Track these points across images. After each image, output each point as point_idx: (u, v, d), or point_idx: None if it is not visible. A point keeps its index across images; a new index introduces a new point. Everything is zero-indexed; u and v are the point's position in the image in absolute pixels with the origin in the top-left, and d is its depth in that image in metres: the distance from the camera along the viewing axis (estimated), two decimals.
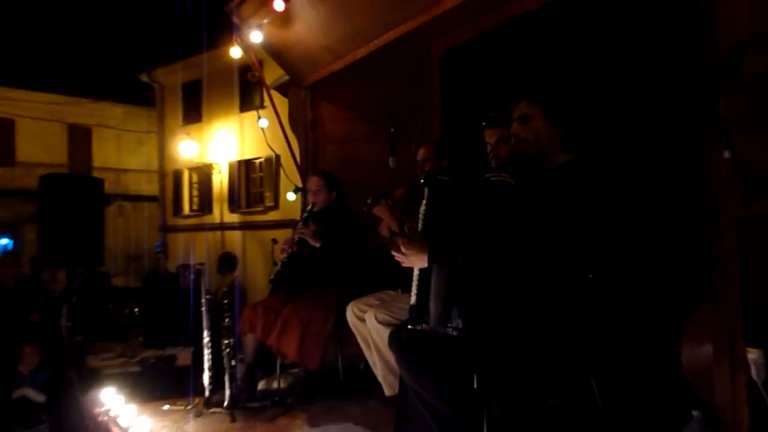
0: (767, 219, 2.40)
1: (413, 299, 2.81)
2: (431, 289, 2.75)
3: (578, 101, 2.80)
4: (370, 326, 3.85)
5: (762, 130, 2.42)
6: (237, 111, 19.79)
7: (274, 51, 5.26)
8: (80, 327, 7.01)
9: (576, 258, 2.72)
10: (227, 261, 9.39)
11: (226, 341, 4.32)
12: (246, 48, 5.10)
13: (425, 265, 2.73)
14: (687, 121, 2.60)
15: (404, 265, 2.83)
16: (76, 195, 5.68)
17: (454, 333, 2.67)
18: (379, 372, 3.94)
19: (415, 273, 2.82)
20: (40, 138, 24.55)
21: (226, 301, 4.44)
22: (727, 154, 2.37)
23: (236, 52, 5.18)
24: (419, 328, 2.77)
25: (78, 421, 4.81)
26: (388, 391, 3.92)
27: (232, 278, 9.43)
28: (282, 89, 5.99)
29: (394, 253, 2.83)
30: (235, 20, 5.05)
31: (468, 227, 2.71)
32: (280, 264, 4.73)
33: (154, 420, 4.14)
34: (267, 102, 5.77)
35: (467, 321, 2.65)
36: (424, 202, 2.83)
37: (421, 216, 2.83)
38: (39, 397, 5.90)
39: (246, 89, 18.62)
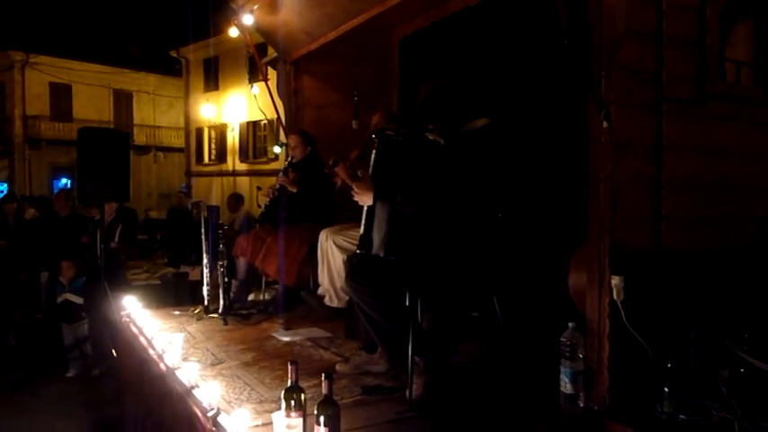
0: (631, 176, 2.37)
1: (361, 229, 2.76)
2: (374, 222, 2.70)
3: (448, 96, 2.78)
4: (329, 247, 3.82)
5: (630, 105, 2.36)
6: (246, 81, 19.44)
7: (264, 32, 5.09)
8: (123, 248, 6.94)
9: (488, 201, 2.70)
10: (236, 199, 9.27)
11: (220, 263, 4.27)
12: (242, 28, 4.92)
13: (371, 202, 2.68)
14: (576, 97, 2.54)
15: (358, 202, 2.77)
16: (107, 145, 5.52)
17: (392, 257, 2.64)
18: (324, 284, 3.91)
19: (364, 209, 2.76)
20: (92, 100, 24.20)
21: (221, 231, 4.34)
22: (605, 124, 2.32)
23: (233, 32, 5.01)
24: (365, 252, 2.73)
25: (109, 320, 4.79)
26: (327, 302, 3.90)
27: (243, 213, 9.32)
28: (272, 64, 5.81)
29: (353, 192, 2.77)
30: (232, 5, 4.86)
31: (406, 173, 2.66)
32: (263, 205, 4.68)
33: (164, 321, 4.10)
34: (270, 74, 5.63)
35: (402, 249, 2.62)
36: (374, 151, 2.77)
37: (372, 163, 2.77)
38: (78, 299, 5.92)
39: (253, 64, 18.25)
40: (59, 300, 5.93)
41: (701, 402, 2.31)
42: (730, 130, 2.72)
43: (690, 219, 2.55)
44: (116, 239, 6.42)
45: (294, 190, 4.49)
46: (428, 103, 2.78)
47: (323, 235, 4.01)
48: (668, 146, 2.48)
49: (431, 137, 2.66)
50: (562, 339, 2.41)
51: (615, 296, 2.30)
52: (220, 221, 4.79)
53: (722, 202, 2.66)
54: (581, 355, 2.40)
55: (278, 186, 4.57)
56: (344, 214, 4.24)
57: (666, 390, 2.30)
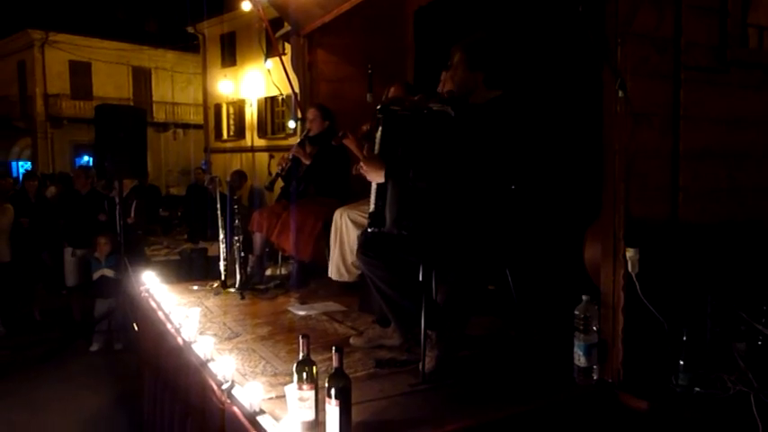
0: (647, 147, 2.32)
1: (371, 207, 2.74)
2: (387, 199, 2.68)
3: (498, 49, 2.70)
4: (344, 223, 3.81)
5: (647, 74, 2.30)
6: (264, 57, 19.40)
7: (277, 5, 5.05)
8: (139, 224, 7.03)
9: (501, 173, 2.66)
10: (240, 176, 9.36)
11: (236, 237, 4.30)
12: (255, 2, 4.89)
13: (383, 179, 2.65)
14: (591, 66, 2.48)
15: (367, 179, 2.76)
16: (124, 122, 5.56)
17: (405, 233, 2.63)
18: (332, 258, 3.91)
19: (373, 186, 2.74)
20: (111, 77, 24.32)
21: (236, 207, 4.37)
22: (620, 93, 2.26)
23: (246, 6, 4.99)
24: (377, 230, 2.72)
25: (130, 294, 4.87)
26: (334, 276, 3.91)
27: (247, 189, 9.40)
28: (286, 38, 5.78)
29: (360, 169, 2.77)
30: None
31: (416, 147, 2.63)
32: (275, 174, 4.67)
33: (182, 296, 4.15)
34: (287, 49, 5.60)
35: (415, 224, 2.60)
36: (380, 128, 2.74)
37: (377, 139, 2.74)
38: (114, 275, 5.98)
39: (269, 39, 18.18)
40: (96, 275, 6.03)
41: (716, 375, 2.28)
42: (752, 99, 2.64)
43: (708, 190, 2.49)
44: (132, 215, 6.51)
45: (308, 162, 4.48)
46: (476, 47, 2.73)
47: (337, 213, 4.01)
48: (686, 115, 2.41)
49: (435, 107, 2.61)
50: (576, 312, 2.39)
51: (630, 268, 2.27)
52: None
53: (742, 172, 2.59)
54: (595, 328, 2.37)
55: (291, 157, 4.55)
56: (360, 189, 4.23)
57: (681, 363, 2.28)
